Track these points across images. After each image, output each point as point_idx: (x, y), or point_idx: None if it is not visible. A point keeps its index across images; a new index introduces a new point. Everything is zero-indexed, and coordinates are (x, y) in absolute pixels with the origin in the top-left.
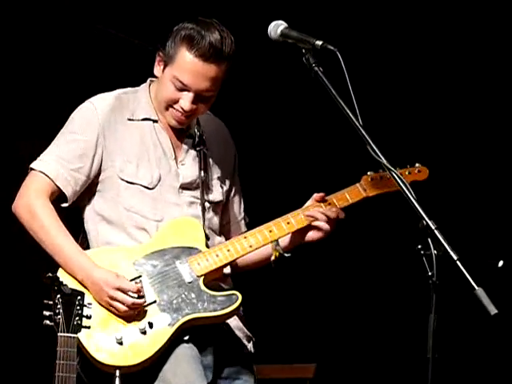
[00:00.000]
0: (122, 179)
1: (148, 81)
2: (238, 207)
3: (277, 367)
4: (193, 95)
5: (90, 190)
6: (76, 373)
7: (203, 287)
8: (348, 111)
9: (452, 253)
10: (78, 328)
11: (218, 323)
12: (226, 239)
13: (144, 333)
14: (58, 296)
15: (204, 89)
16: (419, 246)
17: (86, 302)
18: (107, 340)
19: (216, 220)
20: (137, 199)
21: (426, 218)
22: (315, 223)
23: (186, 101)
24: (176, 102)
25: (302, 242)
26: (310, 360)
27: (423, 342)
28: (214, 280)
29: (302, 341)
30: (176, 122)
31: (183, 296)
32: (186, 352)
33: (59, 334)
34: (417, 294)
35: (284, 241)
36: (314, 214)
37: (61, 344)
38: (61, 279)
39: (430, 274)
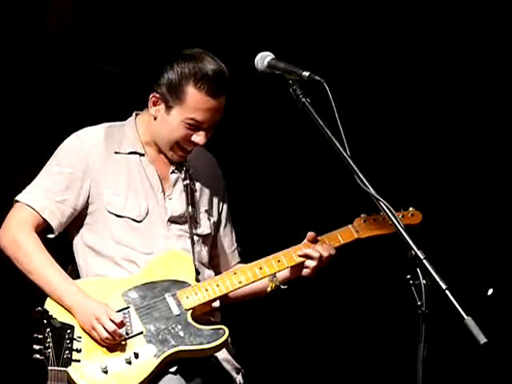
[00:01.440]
0: (111, 212)
1: (134, 114)
2: (229, 238)
3: None
4: (206, 131)
5: (78, 221)
6: None
7: (191, 320)
8: (335, 141)
9: (441, 282)
10: (68, 361)
11: (205, 356)
12: (216, 272)
13: (129, 363)
14: (48, 330)
15: (216, 121)
16: (408, 276)
17: (75, 336)
18: (92, 369)
19: (205, 253)
20: (125, 232)
21: (415, 248)
22: (307, 263)
23: (202, 137)
24: (186, 140)
25: (298, 275)
26: None
27: (414, 371)
28: (203, 314)
29: (292, 372)
30: (179, 158)
31: (170, 328)
32: None
33: (49, 367)
34: (407, 324)
35: (281, 274)
36: (307, 252)
37: (51, 378)
38: (50, 312)
39: (419, 303)
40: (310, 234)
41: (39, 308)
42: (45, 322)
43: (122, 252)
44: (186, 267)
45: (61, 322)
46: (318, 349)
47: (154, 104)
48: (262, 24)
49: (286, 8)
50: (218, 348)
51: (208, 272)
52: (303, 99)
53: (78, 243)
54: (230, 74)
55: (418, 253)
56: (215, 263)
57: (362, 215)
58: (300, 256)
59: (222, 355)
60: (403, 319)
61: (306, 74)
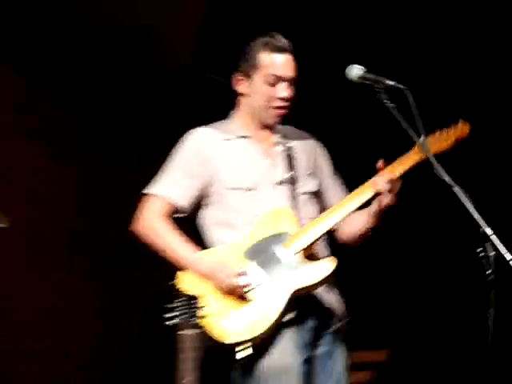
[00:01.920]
0: (227, 188)
1: (230, 113)
2: (339, 196)
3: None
4: (286, 83)
5: (202, 203)
6: (196, 365)
7: (302, 261)
8: (416, 137)
9: (506, 255)
10: (196, 326)
11: (319, 304)
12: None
13: (257, 312)
14: (179, 300)
15: (291, 74)
16: (479, 249)
17: (204, 302)
18: (224, 323)
19: (313, 209)
20: (241, 201)
21: (484, 225)
22: (377, 189)
23: (283, 90)
24: (274, 98)
25: (379, 208)
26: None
27: (484, 333)
28: (312, 253)
29: (374, 327)
30: (277, 117)
31: (286, 273)
32: (284, 333)
33: (180, 332)
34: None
35: (368, 215)
36: (376, 180)
37: (181, 340)
38: (180, 285)
39: (489, 272)
40: (379, 163)
41: (171, 282)
42: (175, 293)
43: (239, 218)
44: (288, 217)
45: (188, 294)
46: (397, 309)
47: (239, 84)
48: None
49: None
50: (331, 277)
51: None
52: (388, 104)
53: (204, 221)
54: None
55: (487, 230)
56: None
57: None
58: (371, 183)
59: (334, 304)
60: (474, 287)
61: (392, 83)
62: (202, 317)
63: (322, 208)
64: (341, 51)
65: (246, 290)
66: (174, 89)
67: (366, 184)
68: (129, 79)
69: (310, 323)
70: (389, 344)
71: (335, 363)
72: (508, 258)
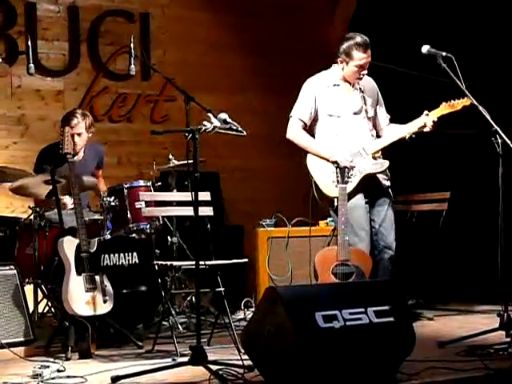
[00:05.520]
0: (327, 114)
1: (332, 66)
2: (384, 118)
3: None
4: (366, 68)
5: (314, 120)
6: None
7: (372, 159)
8: (467, 92)
9: None
10: (347, 181)
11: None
12: (378, 137)
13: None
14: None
15: (369, 62)
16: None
17: (350, 174)
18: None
19: (372, 127)
20: (335, 123)
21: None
22: (425, 122)
23: (365, 71)
24: (359, 73)
25: (419, 130)
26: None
27: None
28: (377, 156)
29: (436, 170)
30: (358, 80)
31: (364, 163)
32: (358, 200)
33: (339, 185)
34: None
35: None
36: (424, 118)
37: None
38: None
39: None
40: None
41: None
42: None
43: (334, 132)
44: (366, 134)
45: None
46: None
47: (341, 63)
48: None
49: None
50: (386, 169)
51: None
52: (444, 67)
53: (317, 129)
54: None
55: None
56: (379, 132)
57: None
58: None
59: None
60: None
61: (444, 53)
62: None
63: (376, 125)
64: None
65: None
66: None
67: (418, 119)
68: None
69: (372, 188)
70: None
71: (386, 208)
72: None
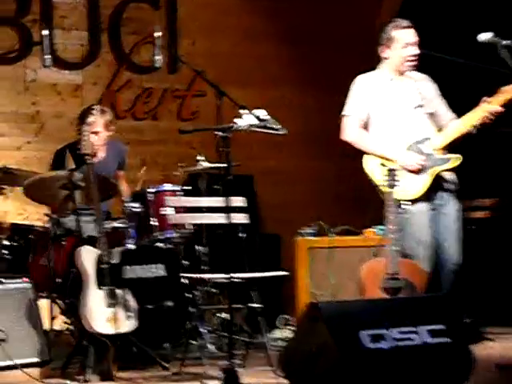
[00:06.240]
0: (384, 110)
1: (379, 66)
2: (446, 113)
3: None
4: (413, 46)
5: (370, 118)
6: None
7: (439, 155)
8: None
9: None
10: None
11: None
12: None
13: (420, 178)
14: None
15: (416, 41)
16: None
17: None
18: (406, 183)
19: (433, 122)
20: (394, 120)
21: None
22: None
23: (414, 49)
24: (408, 56)
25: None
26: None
27: None
28: (444, 151)
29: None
30: (412, 67)
31: (432, 160)
32: (422, 205)
33: (388, 189)
34: None
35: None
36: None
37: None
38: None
39: None
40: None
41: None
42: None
43: (393, 129)
44: (429, 130)
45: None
46: None
47: (383, 52)
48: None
49: None
50: (456, 166)
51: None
52: (506, 56)
53: (373, 127)
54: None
55: None
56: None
57: None
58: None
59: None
60: None
61: (504, 42)
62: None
63: (435, 122)
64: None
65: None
66: None
67: (478, 109)
68: None
69: (438, 188)
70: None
71: (452, 209)
72: None
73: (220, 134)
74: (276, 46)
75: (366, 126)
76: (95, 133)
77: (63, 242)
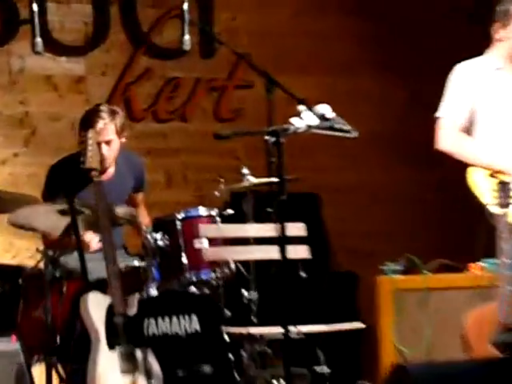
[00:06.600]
0: (491, 110)
1: (488, 50)
2: None
3: None
4: None
5: (472, 119)
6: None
7: None
8: None
9: None
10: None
11: None
12: None
13: None
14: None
15: None
16: None
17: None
18: None
19: None
20: (504, 121)
21: None
22: None
23: None
24: None
25: None
26: None
27: None
28: None
29: None
30: None
31: None
32: None
33: (499, 209)
34: None
35: None
36: None
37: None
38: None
39: None
40: None
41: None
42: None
43: (505, 133)
44: None
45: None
46: None
47: (496, 32)
48: None
49: None
50: None
51: None
52: None
53: (477, 131)
54: None
55: None
56: None
57: None
58: None
59: None
60: None
61: None
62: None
63: None
64: None
65: None
66: None
67: None
68: None
69: None
70: None
71: None
72: None
73: (271, 138)
74: (345, 22)
75: (468, 130)
76: (107, 142)
77: (63, 288)
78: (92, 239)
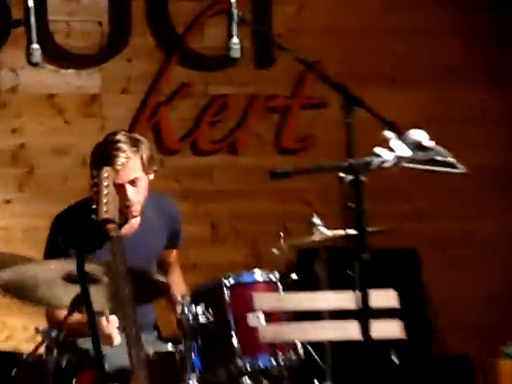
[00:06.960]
0: None
1: None
2: None
3: None
4: None
5: None
6: None
7: None
8: None
9: None
10: None
11: None
12: None
13: None
14: None
15: None
16: None
17: None
18: None
19: None
20: None
21: None
22: None
23: None
24: None
25: None
26: None
27: None
28: None
29: None
30: None
31: None
32: None
33: None
34: None
35: None
36: None
37: None
38: None
39: None
40: None
41: None
42: None
43: None
44: None
45: None
46: None
47: None
48: None
49: None
50: None
51: None
52: None
53: None
54: None
55: None
56: None
57: None
58: None
59: None
60: None
61: None
62: None
63: None
64: None
65: None
66: None
67: None
68: None
69: None
70: None
71: None
72: None
73: (348, 176)
74: (452, 14)
75: None
76: (132, 182)
77: (73, 381)
78: (113, 330)
